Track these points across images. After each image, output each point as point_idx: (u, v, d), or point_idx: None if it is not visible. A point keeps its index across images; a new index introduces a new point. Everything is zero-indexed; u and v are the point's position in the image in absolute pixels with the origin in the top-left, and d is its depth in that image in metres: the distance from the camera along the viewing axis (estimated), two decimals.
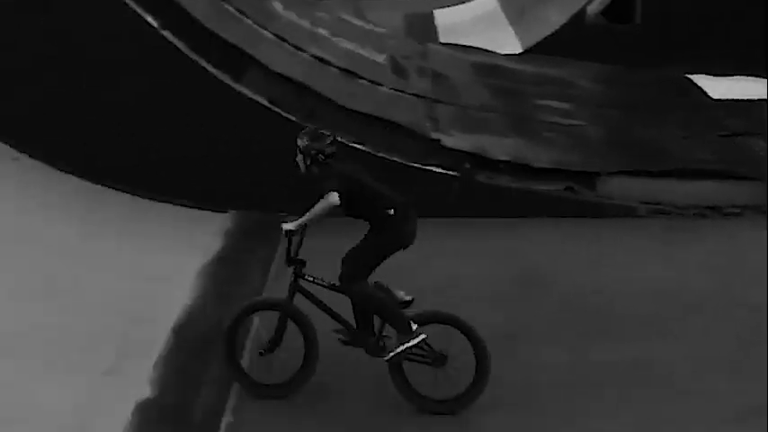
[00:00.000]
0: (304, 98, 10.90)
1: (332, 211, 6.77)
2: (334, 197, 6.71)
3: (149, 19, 10.40)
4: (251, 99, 10.50)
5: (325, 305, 7.06)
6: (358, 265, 6.92)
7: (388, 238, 6.93)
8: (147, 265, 8.95)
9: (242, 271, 9.14)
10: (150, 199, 10.15)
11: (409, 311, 6.95)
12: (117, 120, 10.32)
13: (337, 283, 7.00)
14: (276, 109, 10.49)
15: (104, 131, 10.32)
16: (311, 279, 7.07)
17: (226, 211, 10.26)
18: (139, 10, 10.38)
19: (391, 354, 6.85)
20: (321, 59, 11.74)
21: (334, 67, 11.73)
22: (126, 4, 10.30)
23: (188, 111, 10.33)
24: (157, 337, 7.92)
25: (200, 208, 10.19)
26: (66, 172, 10.23)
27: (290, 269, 7.07)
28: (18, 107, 9.18)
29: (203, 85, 10.42)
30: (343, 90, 11.29)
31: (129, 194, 10.19)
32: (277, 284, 8.36)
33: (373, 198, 6.91)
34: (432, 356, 6.91)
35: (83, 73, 10.30)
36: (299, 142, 6.96)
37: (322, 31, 12.57)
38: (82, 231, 9.37)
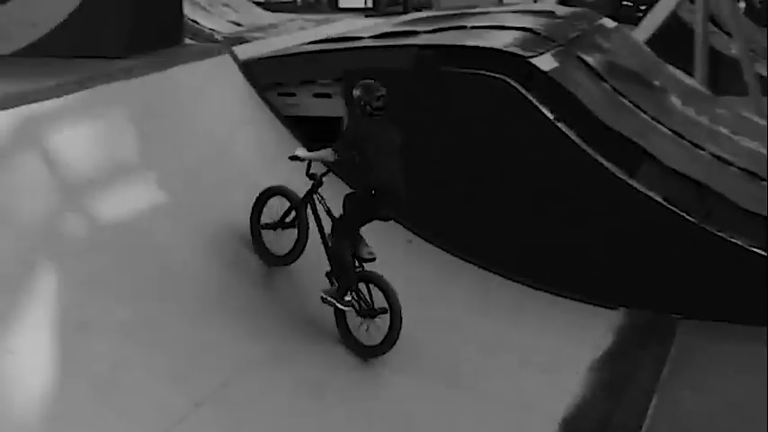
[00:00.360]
0: (702, 197, 10.40)
1: (327, 164, 8.25)
2: (329, 155, 7.94)
3: (544, 110, 10.31)
4: (646, 195, 10.11)
5: (321, 225, 8.37)
6: (339, 228, 8.11)
7: (363, 211, 8.03)
8: (537, 354, 8.72)
9: (633, 368, 8.74)
10: (539, 289, 9.97)
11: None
12: (508, 208, 10.25)
13: (334, 218, 8.25)
14: (672, 207, 10.04)
15: (495, 219, 10.28)
16: (320, 199, 8.36)
17: (616, 308, 9.87)
18: (535, 101, 10.33)
19: (321, 296, 8.12)
20: (720, 158, 11.23)
21: (735, 166, 11.17)
22: (522, 95, 10.28)
23: (581, 203, 10.10)
24: (545, 428, 7.64)
25: (590, 302, 9.88)
26: (456, 255, 10.25)
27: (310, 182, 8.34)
28: (415, 190, 9.26)
29: (597, 177, 10.17)
30: (744, 191, 10.69)
31: (516, 283, 10.05)
32: (669, 384, 8.05)
33: (363, 172, 7.82)
34: (363, 310, 8.10)
35: (472, 156, 10.34)
36: (354, 92, 7.89)
37: (722, 129, 12.05)
38: (470, 312, 9.33)
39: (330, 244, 8.22)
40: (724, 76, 19.11)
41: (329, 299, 8.09)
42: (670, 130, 11.31)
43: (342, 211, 8.15)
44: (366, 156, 7.77)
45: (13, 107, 7.87)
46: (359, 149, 7.78)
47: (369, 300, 8.11)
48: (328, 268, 8.28)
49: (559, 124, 10.31)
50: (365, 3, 27.60)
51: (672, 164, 10.58)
